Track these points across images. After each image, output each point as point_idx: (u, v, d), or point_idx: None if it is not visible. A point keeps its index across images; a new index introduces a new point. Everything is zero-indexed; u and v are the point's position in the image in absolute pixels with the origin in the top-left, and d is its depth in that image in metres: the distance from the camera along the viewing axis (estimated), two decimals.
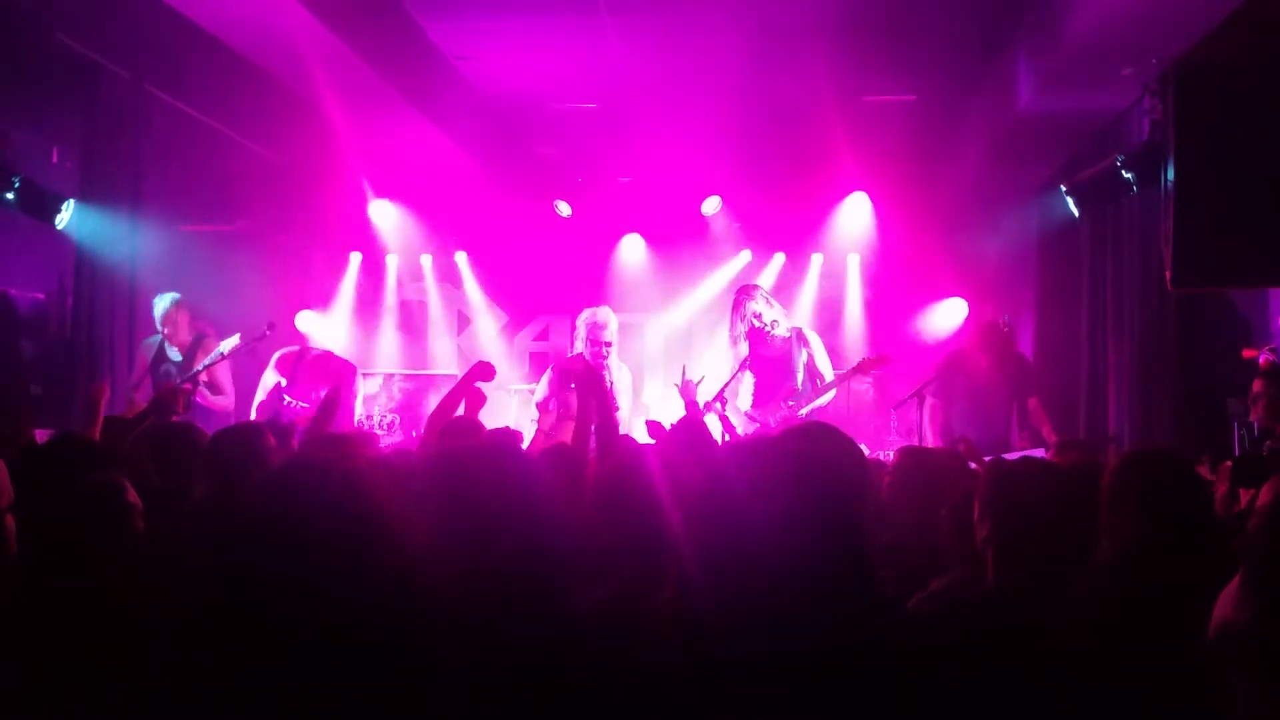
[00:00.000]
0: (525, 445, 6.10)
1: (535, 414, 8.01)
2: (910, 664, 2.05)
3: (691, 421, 5.17)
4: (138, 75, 8.03)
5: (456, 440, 4.20)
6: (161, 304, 7.98)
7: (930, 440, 7.50)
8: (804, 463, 2.58)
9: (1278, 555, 1.48)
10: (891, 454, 8.44)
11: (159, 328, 8.00)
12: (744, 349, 7.87)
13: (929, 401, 7.73)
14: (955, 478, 3.82)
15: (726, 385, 7.64)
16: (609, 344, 8.02)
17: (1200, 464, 5.15)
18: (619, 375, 8.18)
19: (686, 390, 7.13)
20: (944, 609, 2.64)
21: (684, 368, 7.48)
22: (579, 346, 8.08)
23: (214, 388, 7.88)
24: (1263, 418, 5.68)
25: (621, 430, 7.26)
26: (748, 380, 7.92)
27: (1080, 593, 2.76)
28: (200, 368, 7.45)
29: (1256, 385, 5.73)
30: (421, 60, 8.12)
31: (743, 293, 8.07)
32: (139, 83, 8.08)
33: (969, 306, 9.87)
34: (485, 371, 5.37)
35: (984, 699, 2.33)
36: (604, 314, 8.12)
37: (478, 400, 5.28)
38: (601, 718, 2.14)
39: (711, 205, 10.21)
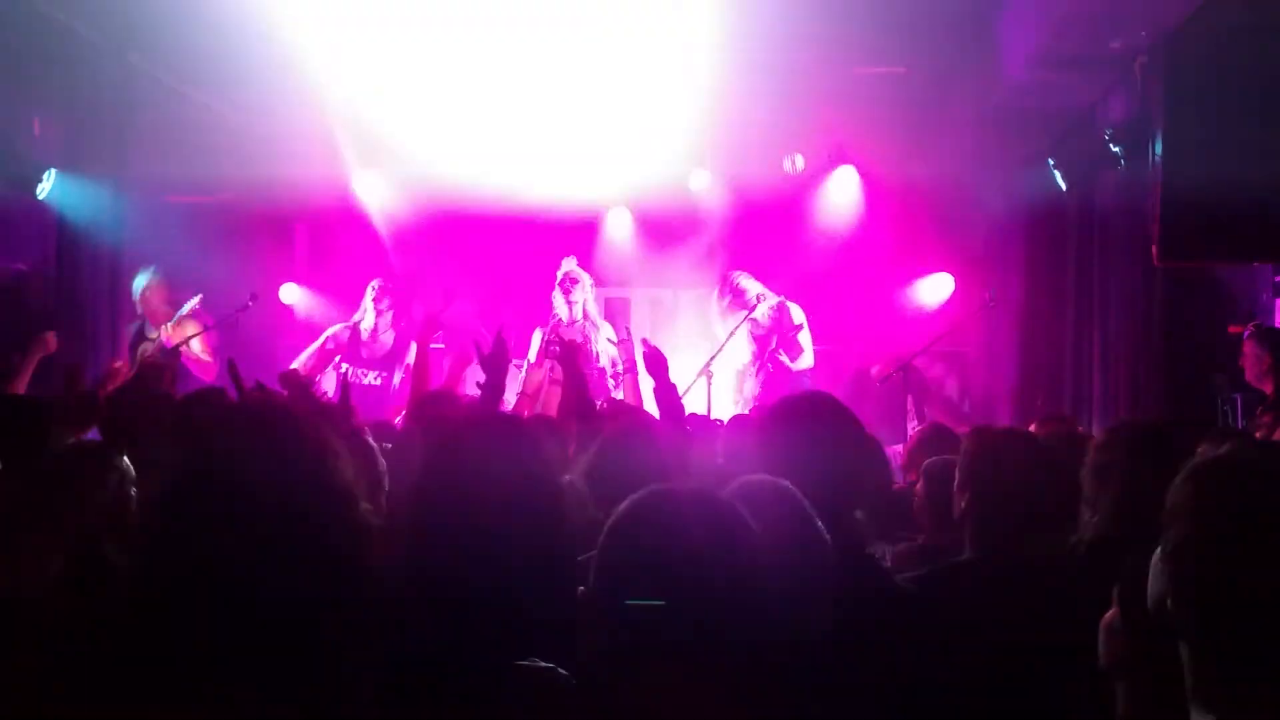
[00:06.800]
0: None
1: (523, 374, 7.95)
2: (889, 632, 2.05)
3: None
4: (121, 45, 7.94)
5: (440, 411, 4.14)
6: (138, 282, 7.87)
7: (914, 407, 7.62)
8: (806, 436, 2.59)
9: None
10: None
11: (137, 307, 7.87)
12: (730, 324, 7.93)
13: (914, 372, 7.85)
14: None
15: (713, 358, 7.71)
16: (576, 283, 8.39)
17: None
18: (598, 335, 8.25)
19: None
20: (921, 578, 2.64)
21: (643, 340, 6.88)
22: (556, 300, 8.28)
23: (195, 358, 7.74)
24: None
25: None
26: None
27: (1060, 566, 2.77)
28: (178, 344, 7.35)
29: None
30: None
31: (727, 273, 8.15)
32: (122, 53, 8.00)
33: (956, 280, 9.86)
34: (432, 328, 5.01)
35: (958, 667, 2.33)
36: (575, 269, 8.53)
37: (464, 358, 5.06)
38: None
39: (699, 180, 10.13)
